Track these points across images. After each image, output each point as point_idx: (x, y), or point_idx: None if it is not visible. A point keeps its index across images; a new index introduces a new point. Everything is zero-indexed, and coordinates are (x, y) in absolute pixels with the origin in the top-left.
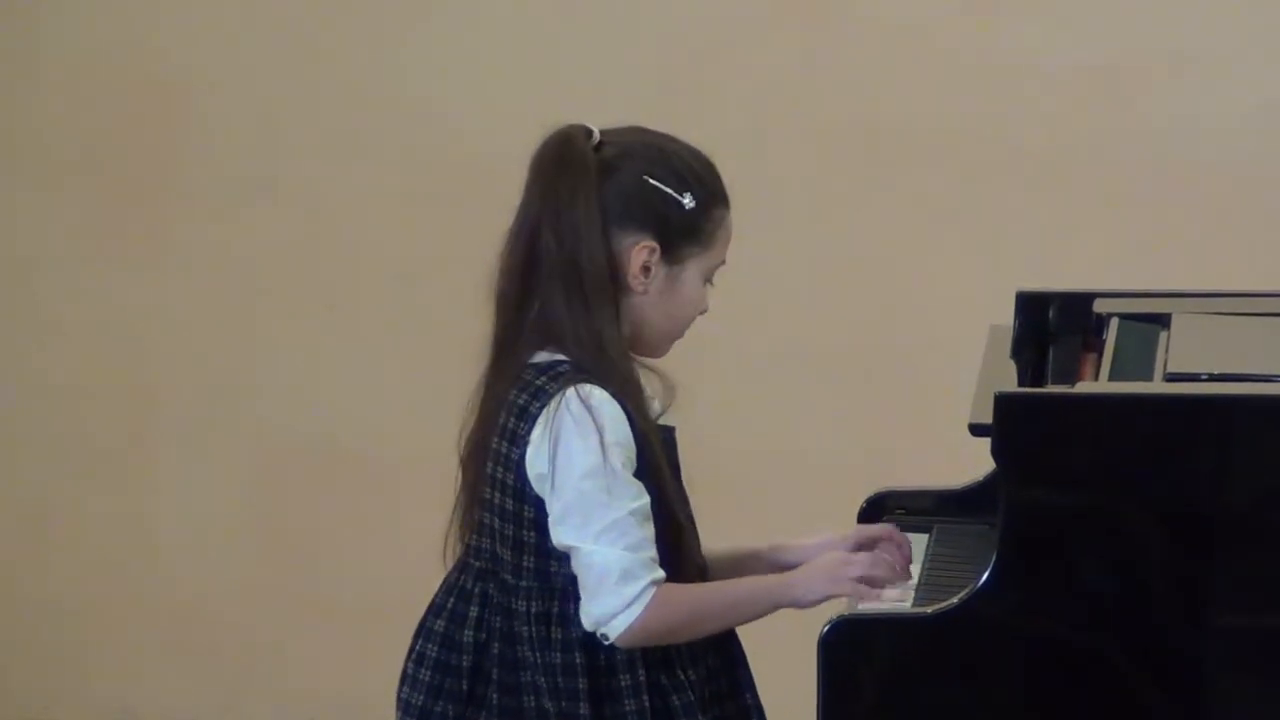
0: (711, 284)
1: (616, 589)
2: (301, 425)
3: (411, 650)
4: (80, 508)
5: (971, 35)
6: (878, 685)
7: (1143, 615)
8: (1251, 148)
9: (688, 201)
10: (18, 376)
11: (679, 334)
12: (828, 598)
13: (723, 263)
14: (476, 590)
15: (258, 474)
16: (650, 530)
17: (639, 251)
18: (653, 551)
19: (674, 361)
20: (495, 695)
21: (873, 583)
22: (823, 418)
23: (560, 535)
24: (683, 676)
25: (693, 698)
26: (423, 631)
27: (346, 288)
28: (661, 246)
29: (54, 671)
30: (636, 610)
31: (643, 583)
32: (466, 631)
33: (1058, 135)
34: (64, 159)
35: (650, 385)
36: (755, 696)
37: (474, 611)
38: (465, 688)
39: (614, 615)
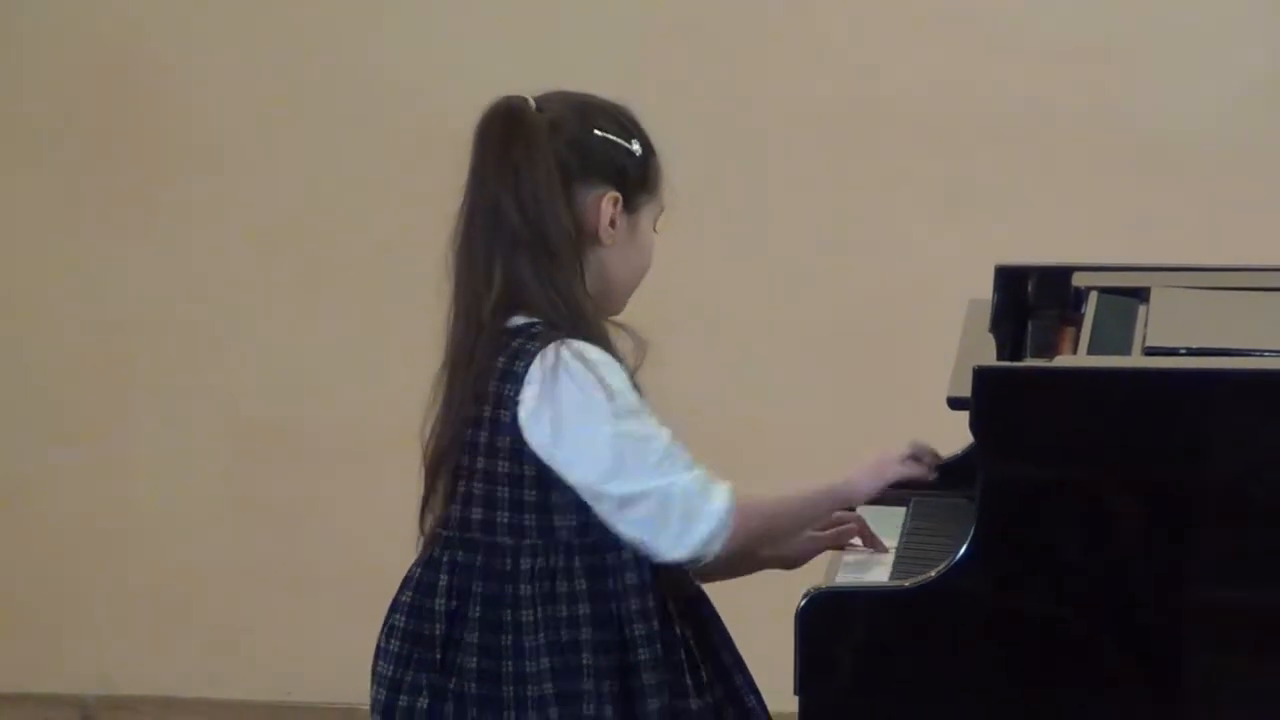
0: (655, 231)
1: (708, 507)
2: (279, 399)
3: (384, 625)
4: (58, 480)
5: (955, 11)
6: (855, 658)
7: (1120, 588)
8: (1232, 126)
9: (635, 148)
10: None
11: (635, 285)
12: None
13: (662, 209)
14: (445, 559)
15: (236, 447)
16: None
17: (606, 203)
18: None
19: (653, 335)
20: (474, 660)
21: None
22: (800, 390)
23: (619, 487)
24: (679, 632)
25: (681, 657)
26: (394, 605)
27: (324, 263)
28: (621, 196)
29: (31, 644)
30: (731, 519)
31: (724, 488)
32: (437, 600)
33: (1039, 111)
34: (41, 133)
35: (621, 344)
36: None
37: (443, 580)
38: (438, 656)
39: (716, 534)
